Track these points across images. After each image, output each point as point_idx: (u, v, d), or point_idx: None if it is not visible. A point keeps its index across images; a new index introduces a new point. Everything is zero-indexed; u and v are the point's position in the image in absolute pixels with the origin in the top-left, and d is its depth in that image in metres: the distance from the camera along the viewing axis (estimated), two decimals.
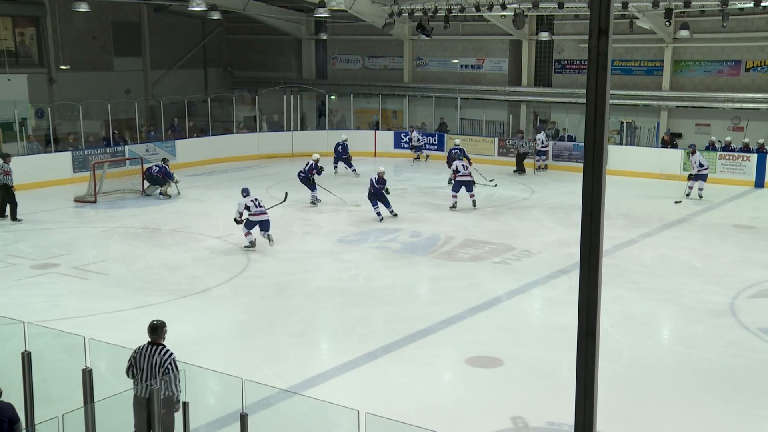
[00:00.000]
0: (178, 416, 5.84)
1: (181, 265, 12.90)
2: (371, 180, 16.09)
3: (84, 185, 18.67)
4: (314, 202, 17.66)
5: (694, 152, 18.75)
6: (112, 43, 28.52)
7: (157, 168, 18.59)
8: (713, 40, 22.83)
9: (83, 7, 21.51)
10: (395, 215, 16.15)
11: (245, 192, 13.80)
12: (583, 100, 3.55)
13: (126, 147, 21.93)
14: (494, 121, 26.05)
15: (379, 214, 15.96)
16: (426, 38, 24.37)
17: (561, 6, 20.76)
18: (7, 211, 15.86)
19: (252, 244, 13.64)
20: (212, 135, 24.78)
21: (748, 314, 10.62)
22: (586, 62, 3.50)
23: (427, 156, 24.53)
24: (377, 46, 29.16)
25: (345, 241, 14.56)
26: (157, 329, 6.49)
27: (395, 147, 25.67)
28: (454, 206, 17.18)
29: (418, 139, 24.65)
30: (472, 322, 10.29)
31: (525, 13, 21.24)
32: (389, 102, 28.34)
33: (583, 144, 3.56)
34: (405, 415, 7.08)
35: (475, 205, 17.35)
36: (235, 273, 12.42)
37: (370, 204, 16.10)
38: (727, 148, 21.10)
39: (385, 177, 16.15)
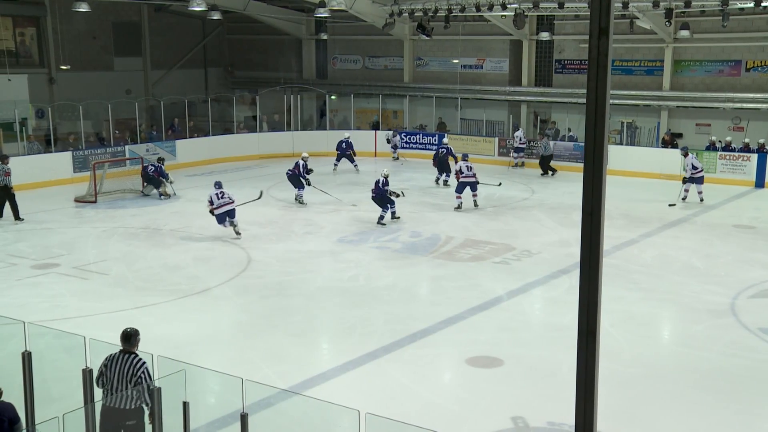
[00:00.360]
0: (179, 416, 5.83)
1: (182, 265, 12.90)
2: (377, 182, 15.81)
3: (84, 185, 18.69)
4: (300, 201, 17.64)
5: (686, 154, 18.41)
6: (113, 43, 28.53)
7: (153, 168, 18.62)
8: (713, 40, 22.83)
9: (83, 7, 21.53)
10: (397, 218, 15.96)
11: (217, 185, 14.71)
12: (584, 100, 3.55)
13: (126, 147, 21.94)
14: (494, 121, 26.05)
15: (382, 217, 15.69)
16: (426, 38, 24.35)
17: (561, 6, 20.76)
18: (6, 212, 15.83)
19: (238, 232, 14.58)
20: (212, 135, 24.80)
21: (749, 314, 10.63)
22: (587, 62, 3.50)
23: (398, 158, 24.52)
24: (377, 46, 29.16)
25: (345, 241, 14.56)
26: (130, 337, 6.24)
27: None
28: (459, 207, 17.18)
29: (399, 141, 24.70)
30: (472, 322, 10.29)
31: (525, 13, 21.24)
32: (389, 102, 28.33)
33: (583, 144, 3.56)
34: (405, 415, 7.09)
35: (476, 205, 17.35)
36: (235, 273, 12.42)
37: (378, 206, 15.89)
38: (727, 148, 21.09)
39: (389, 179, 16.00)
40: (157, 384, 5.99)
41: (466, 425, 7.51)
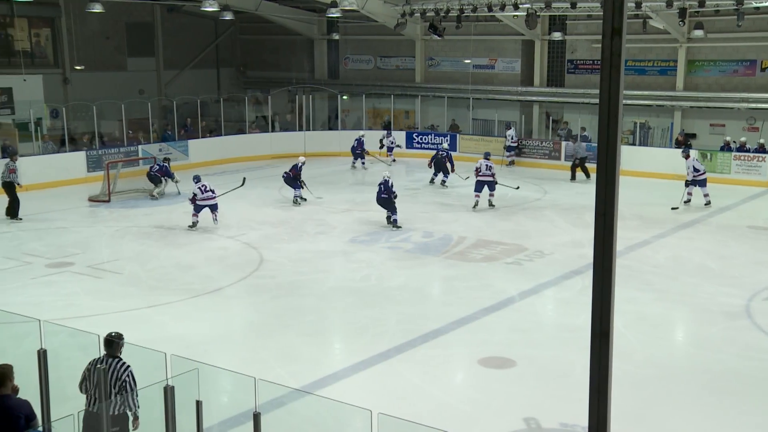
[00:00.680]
0: (192, 415, 5.85)
1: (194, 265, 12.97)
2: (381, 184, 15.63)
3: (98, 185, 18.81)
4: (297, 201, 17.72)
5: (687, 156, 17.95)
6: (126, 43, 28.69)
7: (158, 167, 18.68)
8: (728, 39, 22.65)
9: (97, 8, 21.66)
10: (399, 227, 15.37)
11: (195, 179, 15.37)
12: (596, 101, 3.54)
13: (139, 147, 22.06)
14: (506, 121, 25.98)
15: (389, 218, 15.55)
16: (438, 38, 24.34)
17: (574, 6, 20.68)
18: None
19: (194, 224, 15.15)
20: (225, 135, 24.88)
21: (764, 316, 10.55)
22: (599, 62, 3.49)
23: (394, 160, 24.41)
24: (389, 46, 29.15)
25: (357, 241, 14.57)
26: (113, 343, 6.15)
27: (407, 147, 25.66)
28: (476, 205, 17.16)
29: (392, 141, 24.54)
30: (484, 322, 10.28)
31: (537, 13, 21.17)
32: (401, 102, 28.31)
33: (596, 145, 3.55)
34: (417, 415, 7.09)
35: (491, 204, 17.32)
36: (247, 273, 12.47)
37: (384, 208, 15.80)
38: (742, 148, 20.95)
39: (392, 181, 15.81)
40: (170, 383, 6.00)
41: (478, 426, 7.51)
